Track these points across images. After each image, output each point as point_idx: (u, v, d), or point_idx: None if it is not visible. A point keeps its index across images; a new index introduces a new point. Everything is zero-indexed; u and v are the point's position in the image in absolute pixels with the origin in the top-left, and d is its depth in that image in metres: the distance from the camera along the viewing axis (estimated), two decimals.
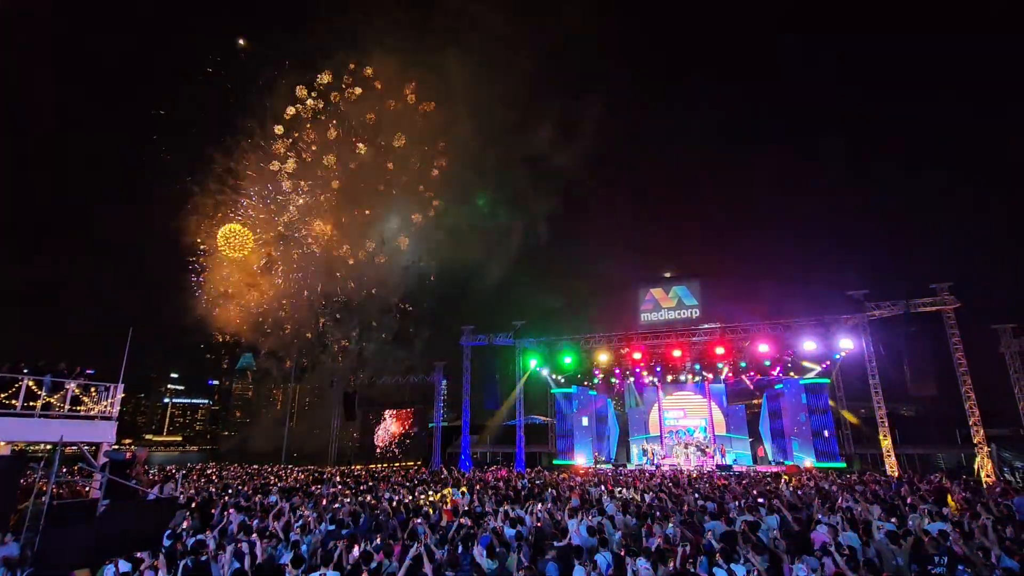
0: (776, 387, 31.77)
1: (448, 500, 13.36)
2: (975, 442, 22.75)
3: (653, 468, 27.92)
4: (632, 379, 34.10)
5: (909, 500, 12.18)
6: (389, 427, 43.65)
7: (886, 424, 24.54)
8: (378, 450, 43.24)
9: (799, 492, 14.55)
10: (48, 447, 11.65)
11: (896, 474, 22.84)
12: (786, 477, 20.63)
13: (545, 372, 32.89)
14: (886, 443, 24.42)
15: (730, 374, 31.84)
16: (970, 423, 22.97)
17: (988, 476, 21.61)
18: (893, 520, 9.43)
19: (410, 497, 14.07)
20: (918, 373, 24.60)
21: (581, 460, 31.07)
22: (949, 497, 12.84)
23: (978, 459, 22.63)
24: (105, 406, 11.50)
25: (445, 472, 25.41)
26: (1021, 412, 22.92)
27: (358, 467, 32.28)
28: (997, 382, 23.92)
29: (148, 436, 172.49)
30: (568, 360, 29.60)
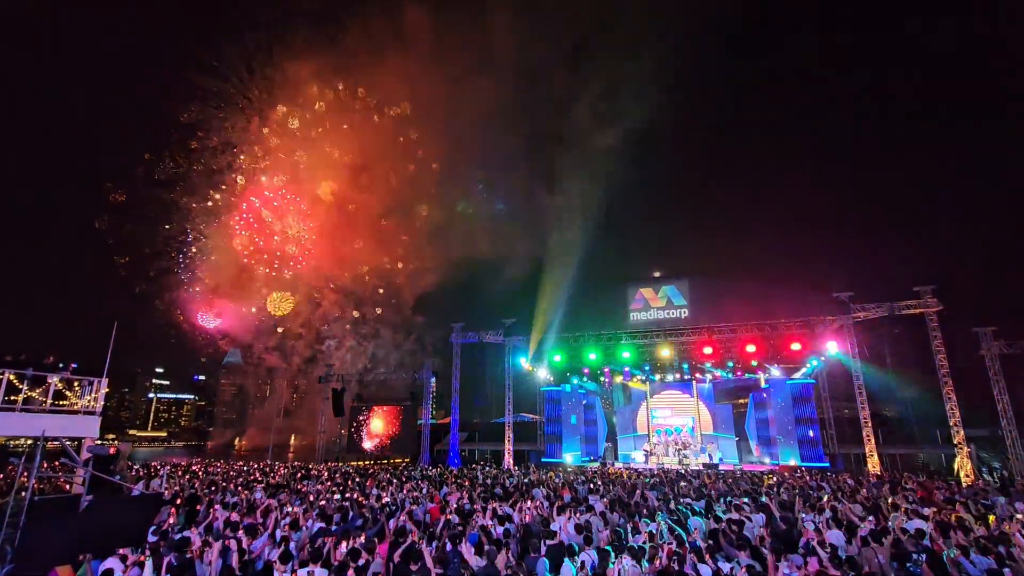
0: (762, 387, 32.14)
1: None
2: (955, 443, 23.18)
3: (639, 467, 28.11)
4: (620, 378, 34.30)
5: (891, 500, 12.40)
6: (377, 424, 43.49)
7: (869, 424, 24.91)
8: (366, 447, 43.06)
9: (783, 490, 14.74)
10: (29, 442, 11.47)
11: (877, 473, 23.20)
12: (773, 478, 20.86)
13: (534, 370, 32.95)
14: (869, 443, 24.80)
15: (717, 373, 32.13)
16: (950, 424, 23.40)
17: (967, 476, 22.04)
18: (872, 519, 9.61)
19: (399, 494, 14.04)
20: (901, 374, 25.02)
21: (569, 458, 31.21)
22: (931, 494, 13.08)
23: (958, 459, 23.06)
24: (88, 401, 11.32)
25: (434, 470, 25.40)
26: (1000, 413, 23.40)
27: (346, 463, 32.13)
28: (977, 384, 24.40)
29: (132, 431, 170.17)
30: (557, 358, 29.66)
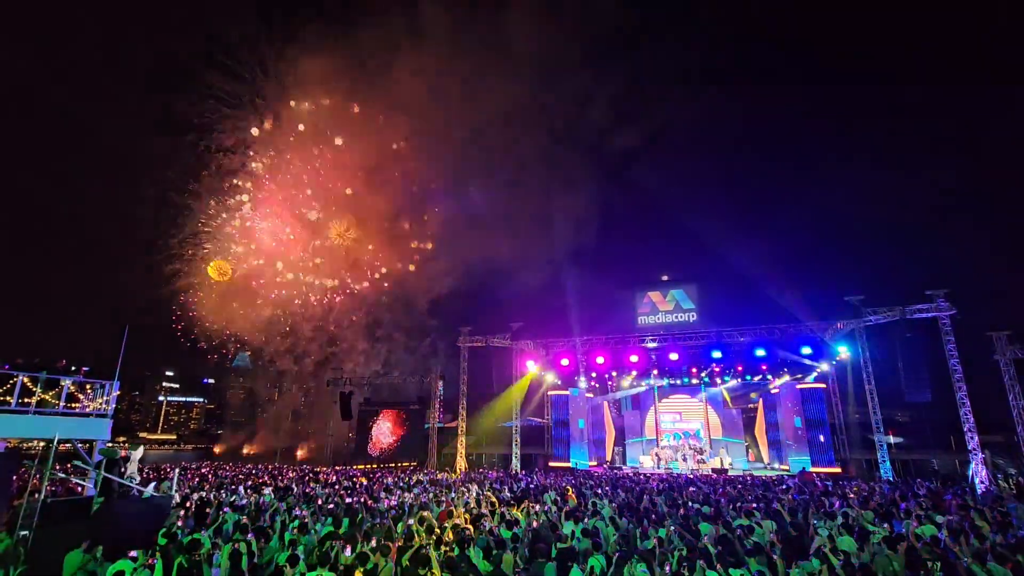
0: (772, 391, 31.85)
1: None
2: (969, 448, 22.83)
3: (647, 471, 27.93)
4: (628, 381, 34.13)
5: (904, 506, 12.23)
6: (385, 428, 43.55)
7: (881, 429, 24.61)
8: (374, 450, 43.15)
9: (795, 496, 14.59)
10: (43, 444, 11.59)
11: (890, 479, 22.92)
12: (783, 483, 20.67)
13: (542, 374, 32.89)
14: (881, 449, 24.49)
15: (727, 378, 31.91)
16: (964, 429, 23.05)
17: (982, 482, 21.69)
18: (886, 525, 9.48)
19: (408, 495, 14.04)
20: (913, 379, 24.72)
21: (577, 462, 31.07)
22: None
23: (972, 465, 22.71)
24: (100, 403, 11.43)
25: (442, 473, 25.39)
26: (1015, 419, 23.03)
27: (354, 467, 32.19)
28: (991, 389, 24.03)
29: (143, 434, 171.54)
30: (564, 362, 29.60)
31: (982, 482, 21.69)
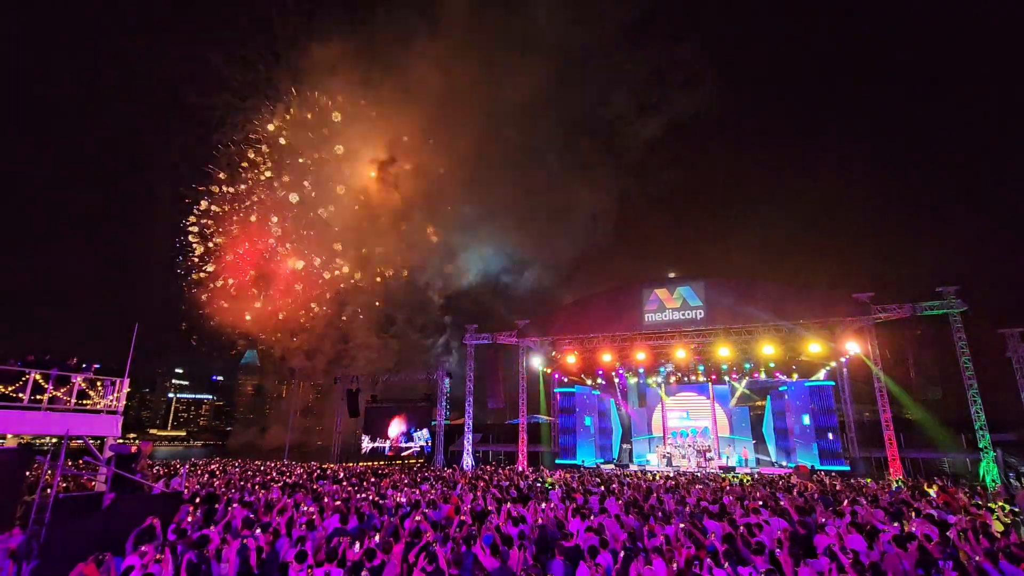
0: (780, 389, 31.66)
1: None
2: (981, 447, 22.60)
3: (654, 469, 27.88)
4: (635, 379, 34.06)
5: (915, 505, 12.12)
6: (392, 425, 43.72)
7: (891, 428, 24.40)
8: (381, 447, 43.33)
9: (803, 495, 14.49)
10: (54, 440, 11.74)
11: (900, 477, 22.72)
12: (793, 479, 20.58)
13: (548, 371, 32.88)
14: (891, 447, 24.27)
15: (734, 375, 31.76)
16: (976, 428, 22.82)
17: (993, 481, 21.47)
18: (896, 524, 9.40)
19: (415, 492, 14.08)
20: (923, 377, 24.44)
21: (584, 459, 31.07)
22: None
23: (983, 464, 22.47)
24: (111, 400, 11.54)
25: (448, 470, 25.47)
26: None
27: (361, 464, 32.34)
28: (1004, 387, 23.73)
29: (152, 431, 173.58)
30: (571, 359, 29.58)
31: (993, 481, 21.46)
